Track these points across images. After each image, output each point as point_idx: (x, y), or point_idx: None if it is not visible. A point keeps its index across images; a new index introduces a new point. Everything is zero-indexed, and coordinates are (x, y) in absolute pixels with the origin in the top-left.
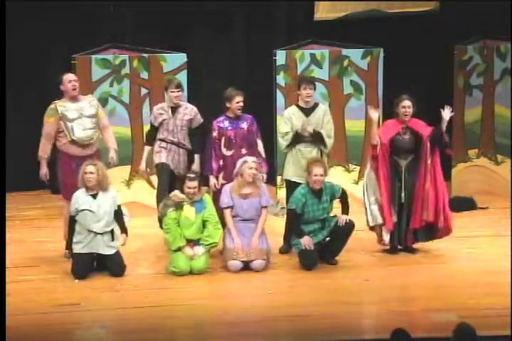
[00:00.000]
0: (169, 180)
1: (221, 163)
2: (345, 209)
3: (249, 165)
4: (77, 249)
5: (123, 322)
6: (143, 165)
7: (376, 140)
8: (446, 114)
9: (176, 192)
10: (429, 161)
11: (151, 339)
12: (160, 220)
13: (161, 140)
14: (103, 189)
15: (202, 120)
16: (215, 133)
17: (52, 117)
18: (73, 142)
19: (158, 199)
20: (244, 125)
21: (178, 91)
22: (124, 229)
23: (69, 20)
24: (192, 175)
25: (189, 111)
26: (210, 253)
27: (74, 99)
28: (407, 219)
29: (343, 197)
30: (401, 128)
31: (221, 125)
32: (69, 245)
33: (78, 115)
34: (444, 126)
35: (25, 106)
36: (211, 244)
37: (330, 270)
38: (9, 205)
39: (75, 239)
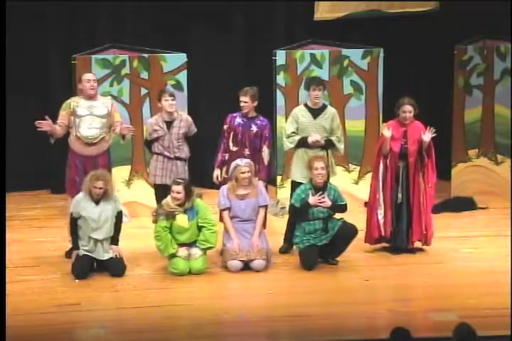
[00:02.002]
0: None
1: (226, 157)
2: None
3: (241, 169)
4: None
5: (123, 322)
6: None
7: (387, 150)
8: (427, 136)
9: (169, 199)
10: (419, 173)
11: (151, 339)
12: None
13: (158, 154)
14: (107, 198)
15: (196, 130)
16: (225, 126)
17: (64, 111)
18: (78, 139)
19: None
20: (254, 127)
21: (173, 100)
22: (116, 240)
23: (69, 20)
24: (178, 180)
25: (184, 124)
26: (208, 253)
27: (90, 97)
28: (407, 220)
29: (341, 211)
30: (402, 132)
31: (233, 120)
32: (75, 245)
33: (88, 113)
34: (424, 146)
35: (26, 106)
36: (208, 248)
37: (330, 270)
38: (9, 205)
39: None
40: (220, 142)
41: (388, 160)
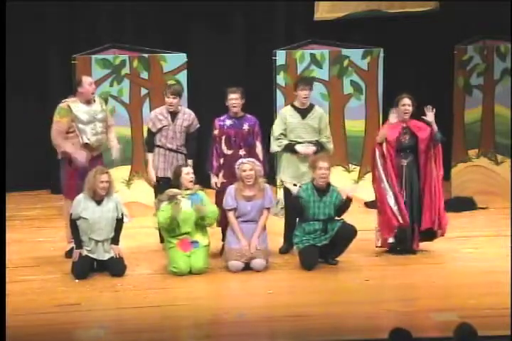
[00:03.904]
0: None
1: (221, 161)
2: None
3: (243, 167)
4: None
5: (123, 322)
6: (152, 175)
7: (384, 136)
8: (430, 116)
9: (171, 188)
10: (427, 162)
11: (151, 339)
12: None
13: (159, 146)
14: (109, 195)
15: (198, 125)
16: (216, 132)
17: (65, 117)
18: (85, 145)
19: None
20: (246, 126)
21: (174, 98)
22: (116, 241)
23: (69, 20)
24: (185, 163)
25: (187, 117)
26: (209, 253)
27: (87, 101)
28: (411, 219)
29: (347, 207)
30: (401, 128)
31: (222, 123)
32: (77, 245)
33: (92, 118)
34: (434, 127)
35: (26, 106)
36: (210, 215)
37: (330, 270)
38: (9, 205)
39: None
40: (211, 149)
41: (384, 149)
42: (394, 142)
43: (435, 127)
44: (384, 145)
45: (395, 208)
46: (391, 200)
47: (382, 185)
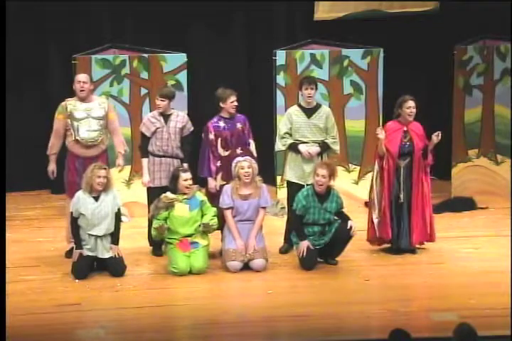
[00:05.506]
0: None
1: (219, 164)
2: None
3: (241, 165)
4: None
5: (123, 322)
6: (146, 178)
7: (383, 151)
8: (434, 140)
9: (167, 193)
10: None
11: (151, 339)
12: (150, 222)
13: (155, 155)
14: (106, 190)
15: (192, 128)
16: (212, 136)
17: (61, 114)
18: (77, 142)
19: (151, 224)
20: (239, 125)
21: (162, 101)
22: (116, 240)
23: (69, 20)
24: (184, 168)
25: (181, 119)
26: (209, 253)
27: (85, 99)
28: (408, 219)
29: (341, 215)
30: (402, 132)
31: (216, 125)
32: (78, 245)
33: (85, 115)
34: (431, 146)
35: (26, 106)
36: (211, 223)
37: (330, 270)
38: (9, 205)
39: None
40: (206, 152)
41: (384, 162)
42: (396, 153)
43: (430, 147)
44: (385, 157)
45: (376, 223)
46: (375, 214)
47: (372, 197)
